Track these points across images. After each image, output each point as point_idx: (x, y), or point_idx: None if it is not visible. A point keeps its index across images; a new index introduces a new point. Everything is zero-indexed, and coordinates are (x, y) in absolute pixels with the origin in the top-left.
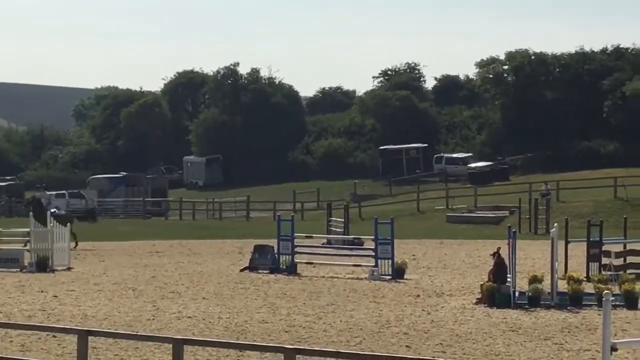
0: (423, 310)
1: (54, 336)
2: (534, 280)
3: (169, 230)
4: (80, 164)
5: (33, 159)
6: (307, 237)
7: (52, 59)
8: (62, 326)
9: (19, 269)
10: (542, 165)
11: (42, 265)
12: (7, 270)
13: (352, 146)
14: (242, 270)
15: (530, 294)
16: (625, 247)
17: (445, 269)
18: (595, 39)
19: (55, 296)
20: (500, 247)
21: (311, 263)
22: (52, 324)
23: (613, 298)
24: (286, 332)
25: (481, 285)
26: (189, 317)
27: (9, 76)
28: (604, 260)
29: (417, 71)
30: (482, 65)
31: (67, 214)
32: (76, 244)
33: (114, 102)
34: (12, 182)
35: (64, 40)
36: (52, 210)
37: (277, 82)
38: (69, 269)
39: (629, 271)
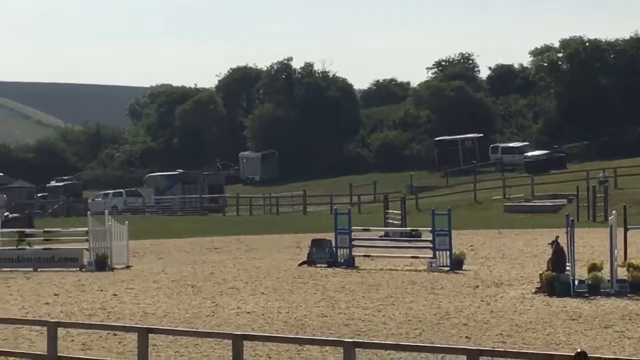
0: (482, 300)
1: (115, 334)
2: (593, 268)
3: (226, 226)
4: (137, 162)
5: (90, 158)
6: (364, 230)
7: (107, 59)
8: (123, 324)
9: (78, 268)
10: (598, 152)
11: (101, 264)
12: (66, 269)
13: (408, 138)
14: (300, 265)
15: (589, 282)
16: None
17: (503, 259)
18: None
19: (115, 294)
20: (558, 236)
21: (369, 256)
22: (113, 323)
23: None
24: (345, 325)
25: (540, 274)
26: (248, 312)
27: (65, 76)
28: None
29: (471, 61)
30: (537, 53)
31: (24, 216)
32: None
33: (169, 100)
34: (70, 182)
35: (119, 40)
36: (5, 215)
37: (330, 76)
38: (127, 267)
39: None
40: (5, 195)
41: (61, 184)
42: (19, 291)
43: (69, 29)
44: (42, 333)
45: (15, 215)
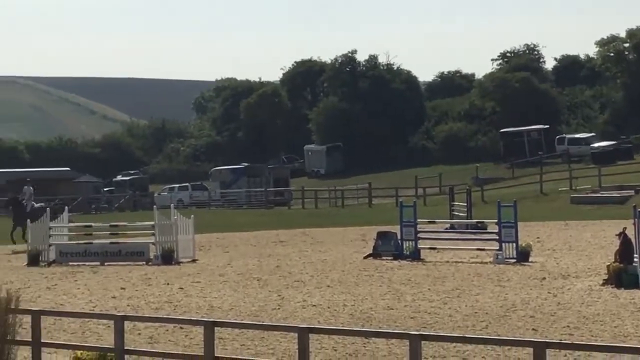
0: (549, 292)
1: (181, 328)
2: None
3: (291, 220)
4: (202, 156)
5: (155, 152)
6: (429, 222)
7: (172, 53)
8: (189, 318)
9: (145, 262)
10: None
11: (168, 257)
12: (133, 263)
13: (473, 130)
14: (365, 258)
15: None
16: None
17: (570, 251)
18: None
19: (181, 288)
20: (626, 227)
21: (434, 248)
22: (179, 316)
23: None
24: (411, 318)
25: (607, 266)
26: (314, 305)
27: (130, 71)
28: None
29: (536, 52)
30: (603, 44)
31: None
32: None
33: (234, 94)
34: (136, 176)
35: (184, 35)
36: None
37: (395, 68)
38: (193, 260)
39: None
40: (32, 187)
41: (127, 178)
42: (86, 285)
43: (134, 24)
44: (109, 326)
45: (41, 205)
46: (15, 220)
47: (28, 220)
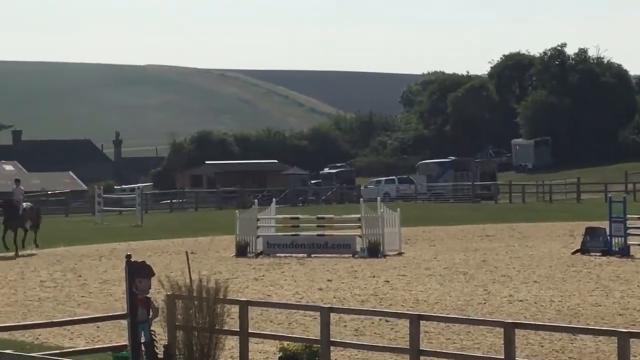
0: None
1: (387, 320)
2: None
3: (498, 214)
4: (409, 149)
5: (362, 145)
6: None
7: (380, 46)
8: (395, 311)
9: (351, 255)
10: None
11: (374, 250)
12: (339, 255)
13: None
14: (573, 253)
15: None
16: None
17: None
18: None
19: (387, 281)
20: None
21: None
22: (385, 309)
23: None
24: (620, 315)
25: None
26: (520, 300)
27: (338, 64)
28: None
29: None
30: None
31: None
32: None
33: (441, 87)
34: (343, 169)
35: (392, 27)
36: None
37: (605, 62)
38: (399, 253)
39: None
40: (22, 187)
41: (334, 171)
42: (293, 276)
43: (345, 17)
44: (315, 318)
45: (30, 205)
46: (7, 223)
47: (28, 222)
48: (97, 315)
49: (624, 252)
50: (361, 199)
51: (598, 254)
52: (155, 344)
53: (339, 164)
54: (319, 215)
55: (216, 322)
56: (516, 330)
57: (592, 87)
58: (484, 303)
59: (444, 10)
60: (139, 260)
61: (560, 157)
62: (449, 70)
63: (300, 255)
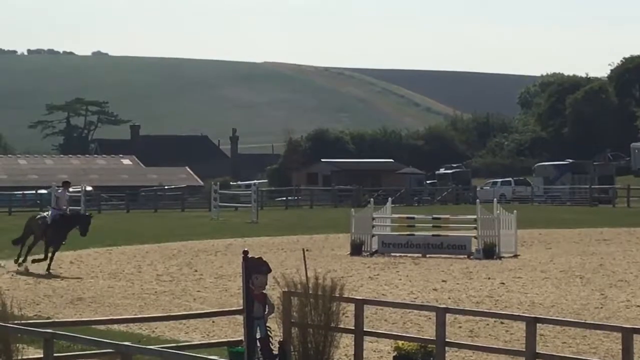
0: None
1: (502, 322)
2: None
3: (616, 218)
4: (526, 151)
5: (479, 146)
6: None
7: (496, 47)
8: (510, 313)
9: (466, 256)
10: None
11: (489, 252)
12: (454, 256)
13: None
14: None
15: None
16: None
17: None
18: None
19: (503, 283)
20: None
21: None
22: (500, 311)
23: None
24: None
25: None
26: (638, 306)
27: (455, 64)
28: None
29: None
30: None
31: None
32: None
33: (559, 89)
34: (459, 170)
35: (508, 28)
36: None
37: None
38: (515, 256)
39: None
40: (69, 192)
41: (450, 171)
42: (408, 276)
43: (457, 16)
44: (430, 318)
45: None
46: (51, 238)
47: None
48: (214, 310)
49: None
50: (477, 200)
51: None
52: (271, 340)
53: (454, 165)
54: (434, 216)
55: (331, 320)
56: (635, 336)
57: None
58: (601, 307)
59: (564, 11)
60: (256, 257)
61: None
62: (568, 72)
63: (415, 255)
